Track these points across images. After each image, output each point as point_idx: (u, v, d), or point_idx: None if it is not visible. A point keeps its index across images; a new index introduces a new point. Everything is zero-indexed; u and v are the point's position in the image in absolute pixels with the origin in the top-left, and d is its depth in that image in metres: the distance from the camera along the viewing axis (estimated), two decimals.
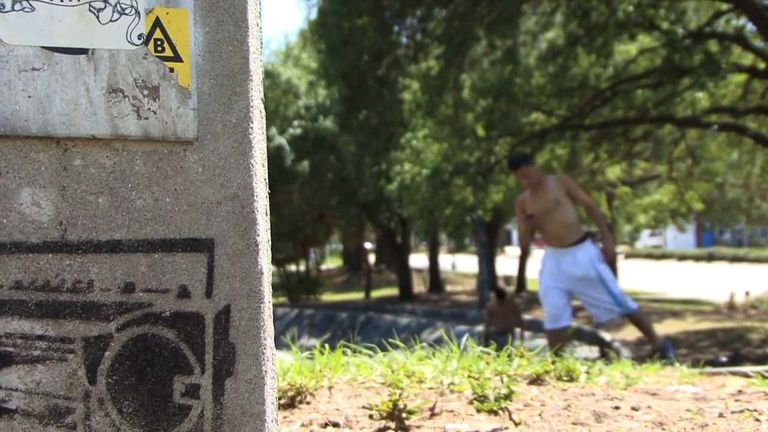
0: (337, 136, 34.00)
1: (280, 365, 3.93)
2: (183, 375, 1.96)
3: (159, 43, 1.94)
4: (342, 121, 26.88)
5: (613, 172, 29.84)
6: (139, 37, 1.92)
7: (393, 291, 44.62)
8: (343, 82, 23.79)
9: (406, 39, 24.30)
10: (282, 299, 44.15)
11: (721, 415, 3.34)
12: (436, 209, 26.07)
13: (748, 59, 21.03)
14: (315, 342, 4.57)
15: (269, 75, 40.67)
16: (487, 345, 5.61)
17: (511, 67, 22.26)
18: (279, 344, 2.29)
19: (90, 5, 1.89)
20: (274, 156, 35.84)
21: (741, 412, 3.36)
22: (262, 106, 2.13)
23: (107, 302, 1.92)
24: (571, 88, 21.33)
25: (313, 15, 27.02)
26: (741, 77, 20.95)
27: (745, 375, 4.77)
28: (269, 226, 2.17)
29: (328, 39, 23.50)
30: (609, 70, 21.97)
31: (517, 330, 18.88)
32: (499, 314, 18.44)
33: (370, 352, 4.56)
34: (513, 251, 76.49)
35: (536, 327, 26.21)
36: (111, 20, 1.90)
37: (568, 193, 10.14)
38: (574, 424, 3.22)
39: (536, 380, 4.18)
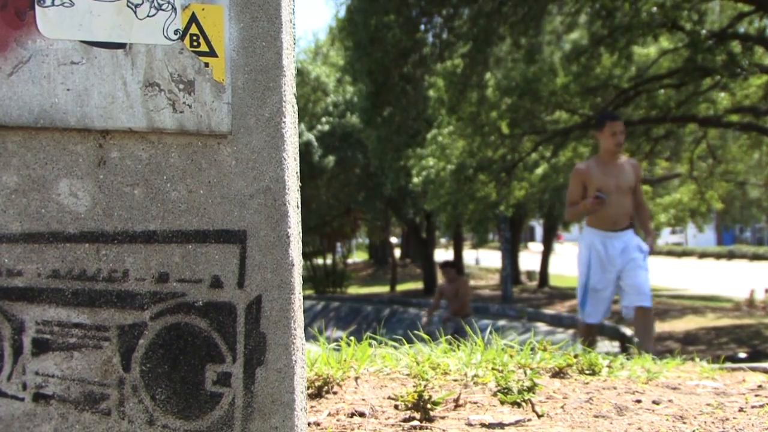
0: (362, 132, 34.04)
1: (308, 356, 3.96)
2: (215, 363, 2.00)
3: (195, 38, 1.97)
4: (366, 116, 26.93)
5: None
6: (176, 32, 1.96)
7: (418, 285, 44.53)
8: (369, 78, 23.84)
9: (432, 37, 24.32)
10: (309, 292, 44.15)
11: (741, 410, 3.35)
12: (459, 204, 26.06)
13: None
14: (341, 334, 4.60)
15: (298, 73, 40.65)
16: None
17: (536, 66, 22.26)
18: (306, 336, 2.32)
19: (128, 1, 1.93)
20: (303, 151, 35.84)
21: (761, 406, 3.38)
22: (294, 101, 2.16)
23: (142, 291, 1.96)
24: (595, 87, 21.31)
25: (342, 13, 27.08)
26: (763, 78, 20.84)
27: (765, 371, 4.77)
28: (300, 219, 2.20)
29: (356, 36, 23.56)
30: (632, 70, 21.92)
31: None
32: (452, 297, 17.26)
33: (396, 344, 4.59)
34: (536, 247, 76.37)
35: (557, 322, 26.20)
36: (148, 15, 1.94)
37: (636, 182, 9.24)
38: (596, 416, 3.24)
39: (559, 373, 4.20)
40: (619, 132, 9.08)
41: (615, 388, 3.87)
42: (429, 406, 3.22)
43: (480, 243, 47.04)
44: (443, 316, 17.78)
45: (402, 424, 3.13)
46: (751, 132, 22.66)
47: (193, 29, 1.97)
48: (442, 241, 68.32)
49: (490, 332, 4.77)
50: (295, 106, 2.18)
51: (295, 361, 2.07)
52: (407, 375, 4.02)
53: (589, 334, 9.11)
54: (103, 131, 1.94)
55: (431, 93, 24.84)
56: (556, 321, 26.33)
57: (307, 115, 40.62)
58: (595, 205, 8.76)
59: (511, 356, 4.31)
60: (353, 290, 46.83)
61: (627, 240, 9.05)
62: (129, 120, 1.93)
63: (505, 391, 3.42)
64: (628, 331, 21.01)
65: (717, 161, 28.23)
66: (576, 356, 4.38)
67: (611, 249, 8.99)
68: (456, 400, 3.48)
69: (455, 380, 3.91)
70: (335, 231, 46.55)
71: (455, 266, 18.70)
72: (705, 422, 3.14)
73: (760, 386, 4.02)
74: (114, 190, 1.95)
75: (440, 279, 45.41)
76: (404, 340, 4.63)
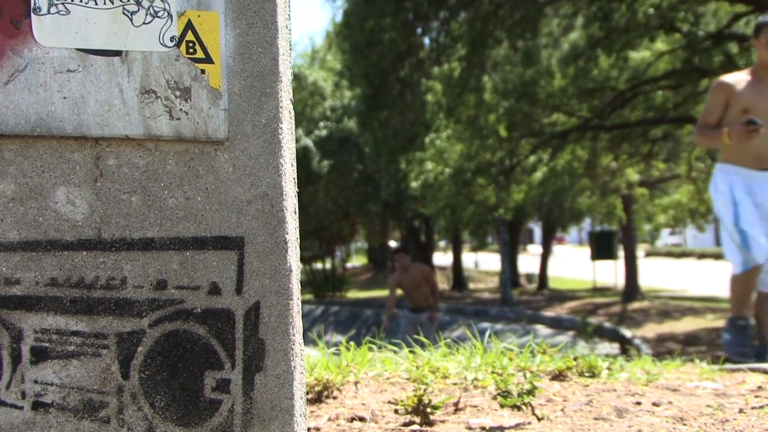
0: (359, 136, 34.03)
1: (307, 361, 3.96)
2: (214, 370, 1.99)
3: (191, 45, 1.97)
4: (362, 119, 26.97)
5: (632, 173, 29.72)
6: (172, 39, 1.96)
7: None
8: (366, 82, 23.86)
9: (429, 41, 24.35)
10: (308, 296, 44.06)
11: (741, 411, 3.35)
12: (458, 208, 26.09)
13: None
14: (340, 338, 4.61)
15: (296, 77, 40.70)
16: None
17: (533, 69, 22.30)
18: (305, 340, 2.31)
19: (123, 8, 1.92)
20: (301, 157, 35.89)
21: (761, 407, 3.37)
22: (291, 106, 2.16)
23: (140, 299, 1.95)
24: (592, 89, 21.35)
25: (339, 17, 27.15)
26: None
27: (765, 371, 4.76)
28: (298, 225, 2.20)
29: (352, 39, 23.59)
30: (628, 72, 21.95)
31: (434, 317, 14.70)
32: (410, 287, 14.52)
33: (395, 348, 4.59)
34: (535, 249, 76.38)
35: (557, 324, 26.20)
36: (144, 23, 1.94)
37: None
38: (596, 419, 3.24)
39: (558, 376, 4.19)
40: None
41: (615, 390, 3.87)
42: (429, 410, 3.22)
43: (479, 246, 47.13)
44: (399, 314, 15.28)
45: (402, 428, 3.13)
46: None
47: (189, 36, 1.96)
48: (441, 244, 68.33)
49: (490, 335, 4.77)
50: (292, 111, 2.18)
51: (294, 366, 2.07)
52: (407, 379, 4.02)
53: (751, 281, 6.82)
54: (99, 139, 1.93)
55: (429, 97, 24.87)
56: (556, 323, 26.35)
57: (305, 119, 40.69)
58: (743, 135, 6.44)
59: (511, 359, 4.31)
60: (352, 294, 46.75)
61: None
62: (126, 127, 1.93)
63: (505, 394, 3.42)
64: (627, 333, 21.01)
65: (715, 162, 28.28)
66: (575, 359, 4.38)
67: (758, 191, 6.73)
68: (456, 404, 3.48)
69: (455, 384, 3.91)
70: (334, 235, 46.57)
71: (408, 251, 15.97)
72: (705, 423, 3.14)
73: (759, 387, 4.02)
74: (111, 197, 1.94)
75: (440, 282, 45.59)
76: (403, 344, 4.63)
